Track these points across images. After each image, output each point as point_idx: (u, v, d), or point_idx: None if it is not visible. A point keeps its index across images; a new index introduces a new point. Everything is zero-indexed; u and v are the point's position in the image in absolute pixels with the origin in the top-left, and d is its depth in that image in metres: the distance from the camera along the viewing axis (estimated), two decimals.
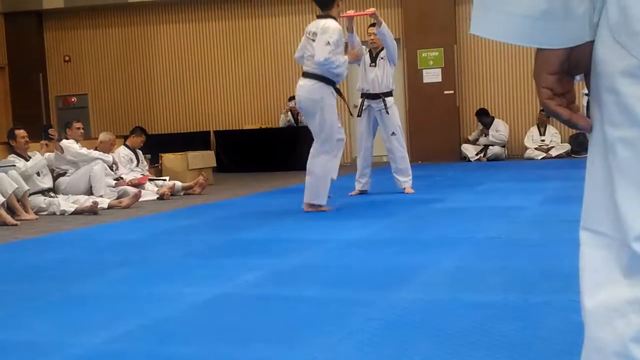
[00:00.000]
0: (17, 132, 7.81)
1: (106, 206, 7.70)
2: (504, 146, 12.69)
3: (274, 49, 14.05)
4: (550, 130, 12.57)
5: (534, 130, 12.68)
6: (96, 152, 8.57)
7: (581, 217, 1.17)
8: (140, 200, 8.07)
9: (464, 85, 13.25)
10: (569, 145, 12.33)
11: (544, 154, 12.29)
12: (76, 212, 7.42)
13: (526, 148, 12.58)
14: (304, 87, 6.31)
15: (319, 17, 6.34)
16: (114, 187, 8.41)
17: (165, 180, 9.19)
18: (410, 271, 3.71)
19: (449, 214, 5.95)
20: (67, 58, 15.03)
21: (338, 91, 6.40)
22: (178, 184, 9.00)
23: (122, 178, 8.72)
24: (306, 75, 6.33)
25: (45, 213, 7.53)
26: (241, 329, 2.81)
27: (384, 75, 7.45)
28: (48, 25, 15.00)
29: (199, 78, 14.50)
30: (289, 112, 13.14)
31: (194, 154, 10.28)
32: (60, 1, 14.38)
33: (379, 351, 2.46)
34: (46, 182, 7.90)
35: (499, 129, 12.61)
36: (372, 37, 7.47)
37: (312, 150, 6.38)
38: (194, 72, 14.50)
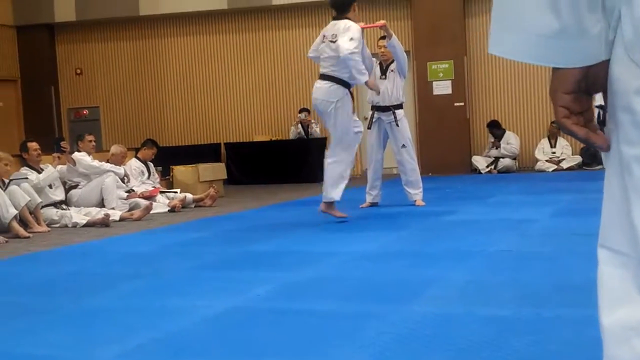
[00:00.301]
0: (29, 144, 7.86)
1: (118, 218, 7.75)
2: (514, 158, 12.66)
3: (284, 61, 14.10)
4: (561, 142, 12.53)
5: (544, 142, 12.64)
6: (108, 164, 8.61)
7: (599, 235, 1.17)
8: (151, 212, 8.10)
9: (474, 97, 13.23)
10: (580, 157, 12.28)
11: (555, 166, 12.24)
12: (88, 225, 7.46)
13: (537, 160, 12.53)
14: (321, 89, 6.34)
15: (334, 18, 6.36)
16: (125, 199, 8.46)
17: (176, 192, 9.22)
18: (422, 284, 3.70)
19: (460, 227, 5.93)
20: (78, 71, 15.13)
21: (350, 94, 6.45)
22: (189, 196, 9.03)
23: (133, 190, 8.76)
24: (323, 77, 6.36)
25: (57, 225, 7.56)
26: (253, 343, 2.81)
27: (394, 87, 7.45)
28: (60, 38, 15.11)
29: (209, 90, 14.56)
30: (299, 124, 13.17)
31: (204, 166, 10.31)
32: (72, 14, 14.48)
33: None
34: (58, 194, 7.95)
35: (510, 142, 12.57)
36: (382, 49, 7.48)
37: (327, 152, 6.47)
38: (205, 84, 14.57)
